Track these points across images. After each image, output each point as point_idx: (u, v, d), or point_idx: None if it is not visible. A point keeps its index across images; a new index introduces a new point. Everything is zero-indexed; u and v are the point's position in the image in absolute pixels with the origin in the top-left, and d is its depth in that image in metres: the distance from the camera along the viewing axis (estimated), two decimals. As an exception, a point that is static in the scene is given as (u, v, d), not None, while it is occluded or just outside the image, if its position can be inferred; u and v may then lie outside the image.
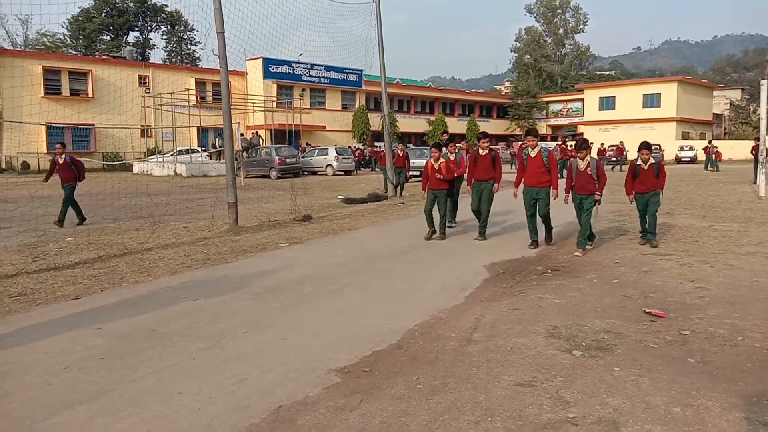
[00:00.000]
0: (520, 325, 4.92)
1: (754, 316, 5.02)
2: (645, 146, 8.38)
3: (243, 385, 3.77)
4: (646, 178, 8.39)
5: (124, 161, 33.97)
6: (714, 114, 61.16)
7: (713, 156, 32.16)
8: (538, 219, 8.53)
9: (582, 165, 8.02)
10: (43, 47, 55.14)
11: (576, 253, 7.90)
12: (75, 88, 37.23)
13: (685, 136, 51.36)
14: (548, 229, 8.78)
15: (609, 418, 3.24)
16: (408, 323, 4.99)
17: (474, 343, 4.51)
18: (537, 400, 3.47)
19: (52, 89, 35.87)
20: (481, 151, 9.45)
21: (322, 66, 46.41)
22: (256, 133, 38.75)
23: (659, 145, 42.05)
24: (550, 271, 6.99)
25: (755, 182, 18.42)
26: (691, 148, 44.84)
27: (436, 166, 9.22)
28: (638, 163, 8.45)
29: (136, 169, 32.19)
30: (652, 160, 8.38)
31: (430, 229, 9.46)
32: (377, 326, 4.93)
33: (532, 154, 8.41)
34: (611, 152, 35.30)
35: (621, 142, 37.59)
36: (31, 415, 3.39)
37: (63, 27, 59.45)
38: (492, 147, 9.86)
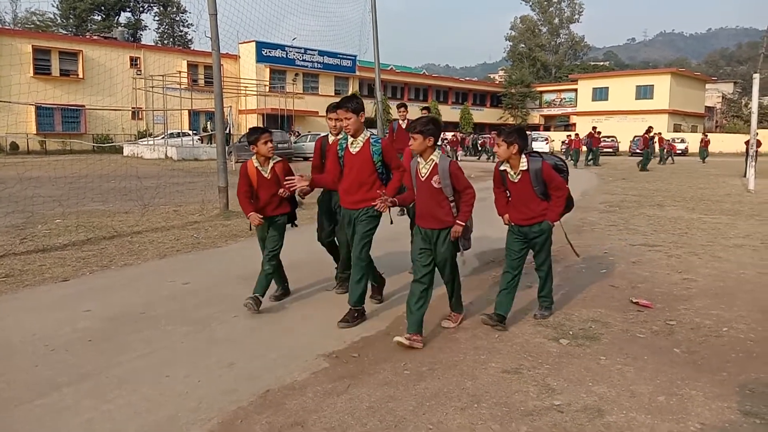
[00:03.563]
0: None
1: (739, 308, 5.07)
2: (504, 134, 4.49)
3: (231, 370, 3.78)
4: (520, 197, 4.57)
5: (114, 143, 33.68)
6: (706, 107, 61.42)
7: (664, 147, 30.73)
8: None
9: (423, 169, 4.30)
10: (32, 26, 54.37)
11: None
12: (65, 69, 36.81)
13: (677, 129, 51.59)
14: (357, 294, 4.69)
15: (594, 405, 3.27)
16: (397, 309, 5.01)
17: (462, 330, 4.53)
18: (523, 387, 3.50)
19: (41, 69, 35.44)
20: (330, 138, 5.43)
21: (315, 51, 46.11)
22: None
23: (658, 133, 36.01)
24: (539, 260, 7.01)
25: (745, 175, 18.54)
26: (683, 140, 45.06)
27: (266, 173, 5.08)
28: (502, 168, 4.59)
29: (126, 151, 31.93)
30: (523, 166, 4.44)
31: (279, 287, 5.43)
32: (366, 311, 4.94)
33: (353, 149, 4.67)
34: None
35: (656, 130, 30.67)
36: (18, 397, 3.39)
37: (53, 6, 58.67)
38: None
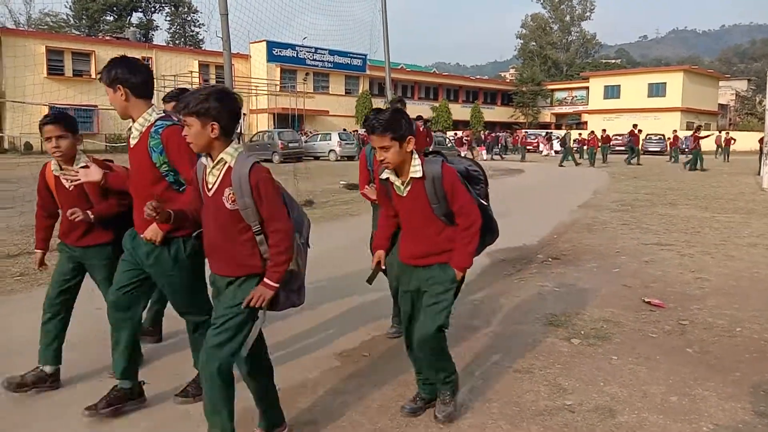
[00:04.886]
0: (519, 312, 4.94)
1: (753, 307, 5.03)
2: (388, 126, 2.73)
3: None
4: (413, 221, 2.94)
5: (126, 143, 33.89)
6: (719, 104, 60.81)
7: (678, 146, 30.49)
8: None
9: (211, 176, 2.55)
10: (46, 27, 54.88)
11: None
12: (78, 69, 37.12)
13: (690, 127, 51.08)
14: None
15: (606, 406, 3.26)
16: (408, 309, 5.00)
17: (473, 329, 4.53)
18: (534, 387, 3.49)
19: (55, 70, 35.76)
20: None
21: (326, 50, 46.11)
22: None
23: (674, 131, 33.34)
24: (550, 259, 6.99)
25: (759, 173, 18.35)
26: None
27: (68, 184, 3.45)
28: (385, 176, 2.93)
29: (138, 151, 32.09)
30: (416, 172, 2.80)
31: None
32: (376, 311, 4.94)
33: (132, 140, 3.13)
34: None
35: (671, 129, 31.27)
36: (24, 395, 3.42)
37: (66, 7, 59.23)
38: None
